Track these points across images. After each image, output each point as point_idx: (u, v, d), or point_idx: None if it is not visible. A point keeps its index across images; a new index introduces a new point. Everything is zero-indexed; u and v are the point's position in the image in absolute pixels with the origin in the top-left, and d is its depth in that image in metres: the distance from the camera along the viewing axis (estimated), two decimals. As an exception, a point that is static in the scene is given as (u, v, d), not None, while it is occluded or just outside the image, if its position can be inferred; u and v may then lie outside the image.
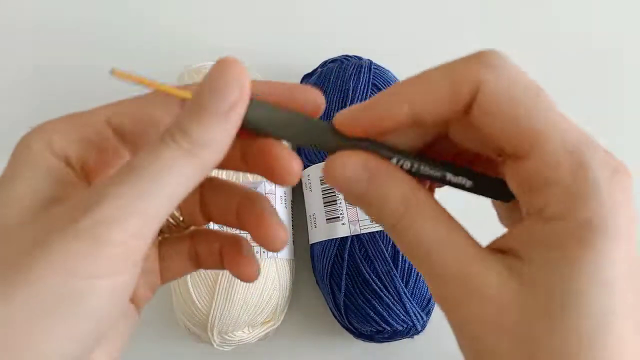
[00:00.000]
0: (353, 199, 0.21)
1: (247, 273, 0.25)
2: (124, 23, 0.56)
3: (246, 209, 0.24)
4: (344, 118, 0.21)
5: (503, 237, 0.20)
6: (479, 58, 0.21)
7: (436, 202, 0.20)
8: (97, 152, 0.22)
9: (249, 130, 0.20)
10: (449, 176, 0.21)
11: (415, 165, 0.21)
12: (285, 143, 0.22)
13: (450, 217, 0.20)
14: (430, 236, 0.19)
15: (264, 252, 0.43)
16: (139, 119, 0.22)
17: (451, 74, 0.20)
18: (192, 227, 0.27)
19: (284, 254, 0.45)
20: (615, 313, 0.17)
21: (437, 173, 0.21)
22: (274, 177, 0.21)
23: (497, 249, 0.20)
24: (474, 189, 0.21)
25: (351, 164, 0.20)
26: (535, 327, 0.18)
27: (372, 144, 0.21)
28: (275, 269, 0.44)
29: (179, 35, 0.56)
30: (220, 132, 0.19)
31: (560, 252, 0.18)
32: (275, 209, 0.24)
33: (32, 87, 0.55)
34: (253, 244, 0.25)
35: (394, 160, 0.21)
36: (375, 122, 0.20)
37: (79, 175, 0.22)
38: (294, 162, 0.21)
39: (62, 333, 0.17)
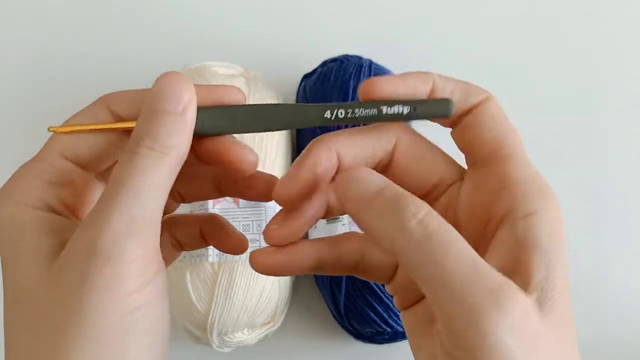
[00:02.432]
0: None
1: (233, 245, 0.27)
2: (123, 23, 0.56)
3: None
4: (280, 185, 0.23)
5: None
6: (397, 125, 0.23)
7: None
8: (68, 187, 0.23)
9: (199, 135, 0.23)
10: (385, 109, 0.22)
11: (350, 111, 0.22)
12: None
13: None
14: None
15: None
16: (91, 144, 0.23)
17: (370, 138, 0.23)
18: (166, 216, 0.27)
19: None
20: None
21: (372, 111, 0.22)
22: (232, 168, 0.23)
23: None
24: (413, 115, 0.23)
25: (362, 174, 0.22)
26: None
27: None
28: None
29: (178, 35, 0.56)
30: (182, 130, 0.21)
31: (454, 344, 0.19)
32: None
33: (28, 74, 0.55)
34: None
35: (328, 114, 0.23)
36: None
37: (66, 213, 0.23)
38: (247, 150, 0.23)
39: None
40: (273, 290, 0.44)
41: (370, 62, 0.48)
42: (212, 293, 0.42)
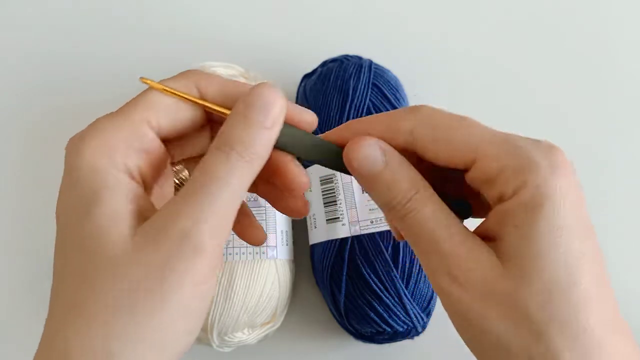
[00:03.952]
0: (368, 180, 0.24)
1: (255, 236, 0.29)
2: (123, 23, 0.56)
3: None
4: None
5: (482, 224, 0.24)
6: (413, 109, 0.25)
7: (435, 193, 0.24)
8: (147, 158, 0.24)
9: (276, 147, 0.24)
10: None
11: None
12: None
13: (445, 206, 0.23)
14: (435, 220, 0.23)
15: (263, 253, 0.43)
16: (173, 120, 0.24)
17: (390, 121, 0.25)
18: None
19: (284, 254, 0.45)
20: (577, 255, 0.21)
21: None
22: (285, 184, 0.25)
23: (479, 233, 0.23)
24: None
25: (369, 144, 0.24)
26: (515, 291, 0.21)
27: None
28: (275, 269, 0.44)
29: (179, 35, 0.56)
30: (268, 143, 0.23)
31: (520, 221, 0.21)
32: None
33: (30, 74, 0.55)
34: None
35: None
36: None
37: (141, 184, 0.23)
38: (303, 172, 0.26)
39: (182, 327, 0.22)
40: (273, 290, 0.44)
41: (370, 62, 0.48)
42: (212, 293, 0.42)
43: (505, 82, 0.54)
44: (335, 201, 0.44)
